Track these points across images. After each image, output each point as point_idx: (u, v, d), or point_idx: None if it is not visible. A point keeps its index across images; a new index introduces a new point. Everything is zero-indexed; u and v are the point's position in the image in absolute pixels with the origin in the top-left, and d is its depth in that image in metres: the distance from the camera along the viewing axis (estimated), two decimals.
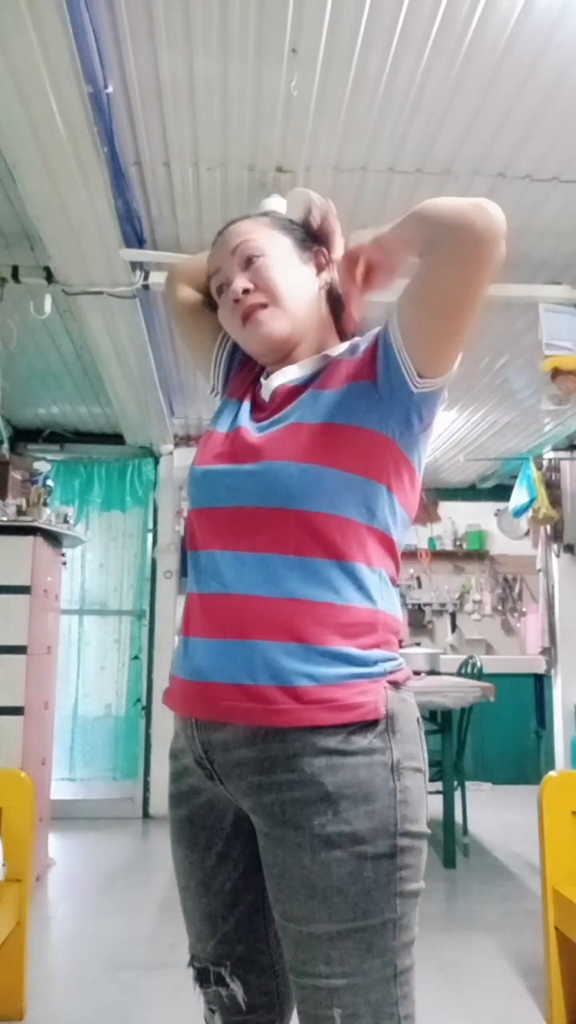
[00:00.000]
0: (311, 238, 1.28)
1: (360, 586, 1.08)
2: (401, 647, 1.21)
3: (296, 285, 1.22)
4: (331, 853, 1.01)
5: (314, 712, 1.03)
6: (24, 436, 5.64)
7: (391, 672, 1.09)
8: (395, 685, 1.09)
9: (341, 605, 1.06)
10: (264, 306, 1.19)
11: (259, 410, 1.21)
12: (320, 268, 1.26)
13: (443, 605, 7.25)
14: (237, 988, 1.18)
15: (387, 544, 1.13)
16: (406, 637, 6.42)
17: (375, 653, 1.07)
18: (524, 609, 7.18)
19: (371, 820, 1.02)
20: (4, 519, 3.64)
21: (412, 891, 1.05)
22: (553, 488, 5.94)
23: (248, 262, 1.21)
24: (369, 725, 1.04)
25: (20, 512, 3.72)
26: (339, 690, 1.03)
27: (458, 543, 7.37)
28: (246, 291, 1.20)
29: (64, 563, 4.41)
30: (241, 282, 1.20)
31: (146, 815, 5.43)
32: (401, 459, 1.13)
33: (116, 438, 5.63)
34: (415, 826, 1.06)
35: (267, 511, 1.09)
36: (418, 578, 7.31)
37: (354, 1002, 1.01)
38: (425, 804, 1.09)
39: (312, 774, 1.03)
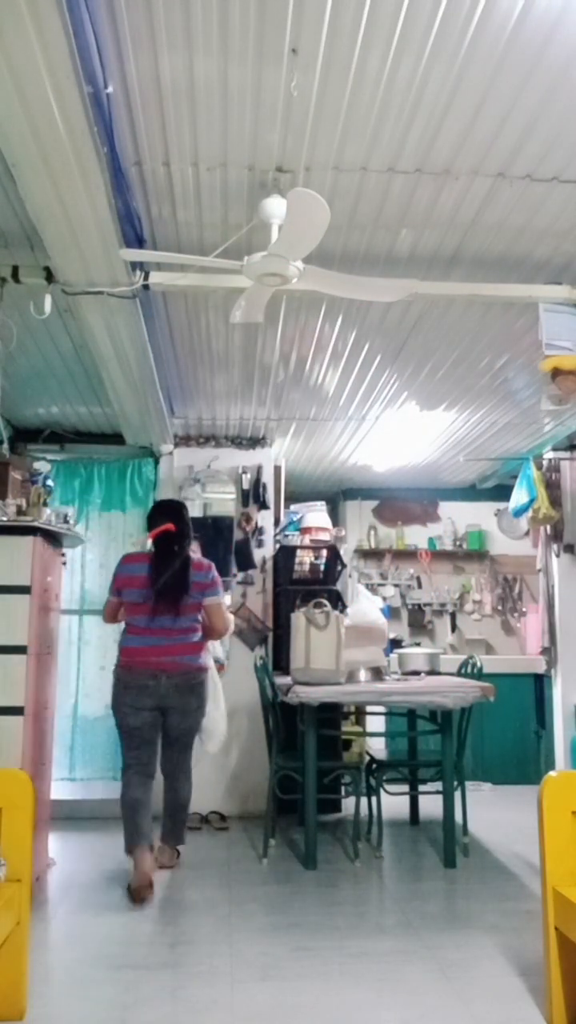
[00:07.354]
0: None
1: None
2: (129, 659, 3.90)
3: None
4: None
5: None
6: (24, 436, 5.64)
7: (118, 663, 3.87)
8: (119, 664, 3.87)
9: None
10: None
11: None
12: None
13: (443, 605, 7.26)
14: None
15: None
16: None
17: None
18: (524, 609, 7.19)
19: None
20: (4, 519, 3.64)
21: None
22: (553, 488, 5.94)
23: None
24: None
25: (20, 512, 3.72)
26: None
27: (458, 543, 7.38)
28: None
29: (64, 563, 4.41)
30: None
31: None
32: None
33: (116, 438, 5.62)
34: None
35: None
36: (418, 578, 7.32)
37: None
38: (111, 687, 3.92)
39: None
